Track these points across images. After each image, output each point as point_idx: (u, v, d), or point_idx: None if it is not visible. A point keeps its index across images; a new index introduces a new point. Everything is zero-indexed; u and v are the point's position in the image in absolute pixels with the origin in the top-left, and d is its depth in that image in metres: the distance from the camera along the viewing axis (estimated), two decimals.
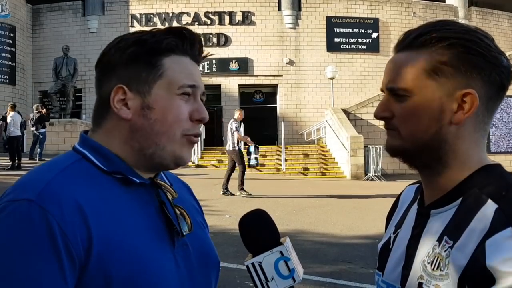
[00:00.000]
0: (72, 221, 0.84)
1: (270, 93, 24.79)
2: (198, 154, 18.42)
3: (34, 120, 16.32)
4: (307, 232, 7.48)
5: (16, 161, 14.11)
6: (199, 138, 1.03)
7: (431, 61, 0.92)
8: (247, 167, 11.37)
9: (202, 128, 18.92)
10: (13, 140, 14.43)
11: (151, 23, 23.90)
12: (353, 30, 24.62)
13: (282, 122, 20.91)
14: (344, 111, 18.78)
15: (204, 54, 1.04)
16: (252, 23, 24.30)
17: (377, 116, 0.99)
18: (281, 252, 0.97)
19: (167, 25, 22.88)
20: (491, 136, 19.32)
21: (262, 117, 23.32)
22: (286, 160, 17.98)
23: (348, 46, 24.58)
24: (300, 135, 22.58)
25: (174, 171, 1.10)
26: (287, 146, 19.11)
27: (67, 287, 0.82)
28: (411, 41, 0.95)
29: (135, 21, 24.33)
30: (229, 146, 11.03)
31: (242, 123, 11.63)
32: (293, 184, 14.08)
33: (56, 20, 24.66)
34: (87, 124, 18.93)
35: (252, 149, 11.63)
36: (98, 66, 1.01)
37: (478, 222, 0.86)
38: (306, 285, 4.77)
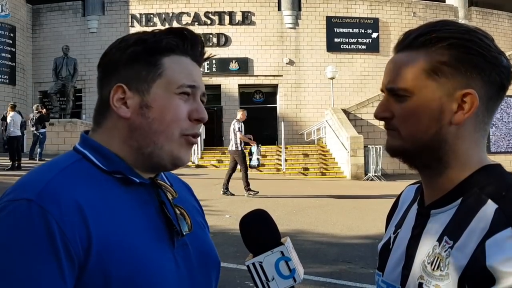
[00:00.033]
0: (72, 221, 0.84)
1: (270, 93, 24.79)
2: (198, 154, 18.42)
3: (34, 120, 16.32)
4: (307, 232, 7.48)
5: (16, 161, 14.11)
6: (198, 138, 1.02)
7: (431, 61, 0.92)
8: (248, 168, 11.38)
9: (202, 128, 18.95)
10: (13, 140, 14.43)
11: (151, 23, 23.89)
12: (353, 30, 24.62)
13: (282, 122, 20.91)
14: (344, 111, 18.78)
15: (206, 55, 1.05)
16: (252, 23, 24.30)
17: (377, 116, 0.99)
18: (282, 252, 0.97)
19: (167, 25, 22.92)
20: (491, 136, 19.32)
21: (262, 117, 23.31)
22: (286, 160, 17.98)
23: (348, 46, 24.57)
24: (300, 135, 22.58)
25: (174, 171, 1.10)
26: (287, 146, 19.11)
27: (66, 287, 0.82)
28: (411, 41, 0.95)
29: (135, 21, 24.32)
30: (231, 146, 11.04)
31: (242, 124, 11.64)
32: (293, 184, 14.08)
33: (56, 20, 24.65)
34: (87, 124, 18.93)
35: (254, 149, 11.63)
36: (100, 67, 1.01)
37: (478, 222, 0.86)
38: (306, 285, 4.77)
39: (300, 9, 24.51)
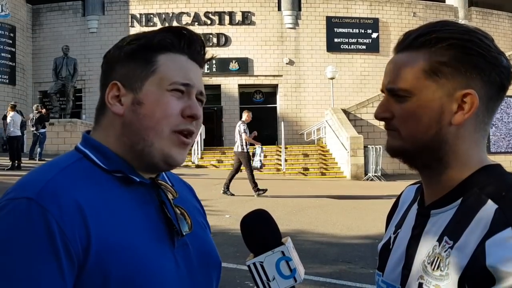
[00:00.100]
0: (71, 220, 0.84)
1: (270, 93, 24.79)
2: (198, 154, 18.42)
3: (34, 120, 16.32)
4: (307, 232, 7.48)
5: (16, 161, 14.11)
6: (193, 138, 1.00)
7: (431, 61, 0.93)
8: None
9: (202, 128, 18.90)
10: (13, 140, 14.42)
11: (151, 23, 23.90)
12: (353, 30, 24.63)
13: (282, 122, 20.91)
14: (344, 111, 18.78)
15: (208, 56, 1.04)
16: (252, 23, 24.30)
17: (377, 116, 0.99)
18: (282, 252, 0.97)
19: (167, 25, 22.87)
20: (491, 136, 19.31)
21: (262, 117, 23.27)
22: (286, 160, 17.98)
23: (348, 46, 24.58)
24: (300, 135, 22.58)
25: (174, 172, 1.10)
26: (287, 146, 19.11)
27: (66, 286, 0.82)
28: (411, 42, 0.96)
29: (135, 21, 24.33)
30: (237, 147, 11.07)
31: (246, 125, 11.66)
32: (293, 184, 14.09)
33: (56, 20, 24.65)
34: (87, 124, 18.93)
35: (258, 151, 11.63)
36: (101, 67, 1.03)
37: (478, 222, 0.86)
38: (306, 285, 4.77)
39: (300, 9, 24.52)
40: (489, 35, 0.94)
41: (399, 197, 1.16)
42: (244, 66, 24.10)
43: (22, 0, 23.85)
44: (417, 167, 0.99)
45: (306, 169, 18.12)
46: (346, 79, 23.82)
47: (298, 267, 0.98)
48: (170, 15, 24.24)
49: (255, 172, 11.41)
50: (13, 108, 15.14)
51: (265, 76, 24.26)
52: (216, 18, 24.28)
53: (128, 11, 24.45)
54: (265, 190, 10.82)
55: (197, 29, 22.30)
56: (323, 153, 19.27)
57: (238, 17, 24.28)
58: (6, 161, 14.59)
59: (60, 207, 0.84)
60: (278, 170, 17.81)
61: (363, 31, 24.66)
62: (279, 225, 1.02)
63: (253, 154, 11.73)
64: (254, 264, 0.97)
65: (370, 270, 5.36)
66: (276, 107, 24.49)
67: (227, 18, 24.28)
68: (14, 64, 22.89)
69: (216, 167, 18.03)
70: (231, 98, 24.10)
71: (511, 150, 20.09)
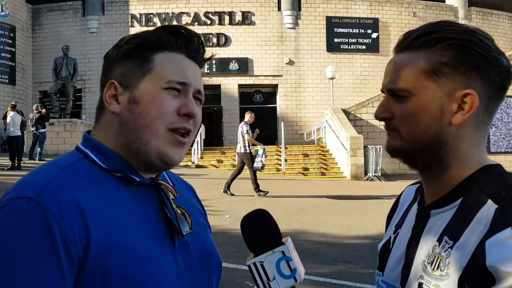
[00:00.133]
0: (71, 220, 0.84)
1: (270, 93, 24.79)
2: (198, 154, 18.42)
3: (34, 120, 16.31)
4: (307, 232, 7.48)
5: (16, 161, 14.11)
6: (191, 137, 1.00)
7: (431, 62, 0.93)
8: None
9: (202, 128, 18.87)
10: (13, 140, 14.42)
11: (151, 23, 23.89)
12: (353, 30, 24.62)
13: (282, 122, 20.90)
14: (344, 111, 18.77)
15: (208, 56, 1.04)
16: (252, 23, 24.30)
17: (377, 117, 0.99)
18: (283, 252, 0.97)
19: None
20: (491, 137, 19.31)
21: (262, 117, 23.25)
22: (286, 160, 17.98)
23: (348, 46, 24.57)
24: (300, 135, 22.58)
25: (173, 171, 1.10)
26: (287, 146, 19.11)
27: (65, 285, 0.82)
28: (411, 42, 0.96)
29: (135, 21, 24.32)
30: (240, 148, 11.09)
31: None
32: (293, 184, 14.09)
33: (56, 20, 24.65)
34: (87, 124, 18.93)
35: (260, 151, 11.64)
36: (102, 67, 1.03)
37: (478, 222, 0.86)
38: (306, 285, 4.77)
39: (300, 9, 24.51)
40: (489, 35, 0.94)
41: (399, 197, 1.16)
42: (244, 66, 24.10)
43: (22, 0, 23.84)
44: (417, 167, 0.99)
45: (306, 169, 18.12)
46: (346, 79, 23.81)
47: (299, 267, 0.98)
48: (170, 15, 24.23)
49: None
50: (13, 108, 15.13)
51: (265, 76, 24.26)
52: (216, 18, 24.27)
53: (128, 11, 24.45)
54: (266, 192, 10.83)
55: (197, 29, 22.29)
56: (323, 153, 19.27)
57: (238, 17, 24.28)
58: (6, 161, 14.59)
59: (60, 207, 0.84)
60: (278, 170, 17.80)
61: (363, 31, 24.66)
62: (279, 225, 1.02)
63: (255, 155, 11.73)
64: (254, 264, 0.97)
65: (370, 270, 5.36)
66: (276, 107, 24.48)
67: (227, 18, 24.27)
68: (14, 64, 22.89)
69: (216, 167, 18.03)
70: (231, 98, 24.10)
71: (511, 150, 20.09)
